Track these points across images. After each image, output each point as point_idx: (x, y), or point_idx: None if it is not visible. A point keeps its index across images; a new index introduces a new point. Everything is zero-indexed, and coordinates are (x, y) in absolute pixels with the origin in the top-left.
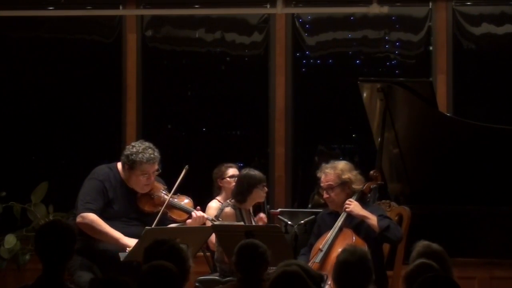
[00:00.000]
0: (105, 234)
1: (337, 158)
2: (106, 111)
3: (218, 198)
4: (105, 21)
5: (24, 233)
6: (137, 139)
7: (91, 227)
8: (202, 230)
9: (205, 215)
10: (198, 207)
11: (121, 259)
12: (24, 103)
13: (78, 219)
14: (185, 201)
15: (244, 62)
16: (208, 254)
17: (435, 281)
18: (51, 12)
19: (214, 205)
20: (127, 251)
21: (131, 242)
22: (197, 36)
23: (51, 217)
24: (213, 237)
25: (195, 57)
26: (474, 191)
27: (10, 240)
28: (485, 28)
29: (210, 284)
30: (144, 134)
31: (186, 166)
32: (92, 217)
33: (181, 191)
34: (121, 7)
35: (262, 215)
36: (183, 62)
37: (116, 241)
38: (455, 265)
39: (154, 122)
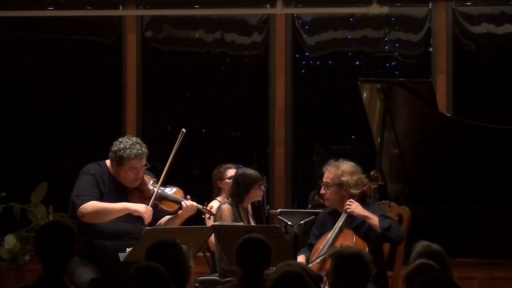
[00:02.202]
0: (112, 211)
1: (335, 156)
2: (106, 111)
3: (218, 198)
4: (105, 21)
5: (24, 234)
6: None
7: (96, 212)
8: (202, 230)
9: (195, 203)
10: (188, 196)
11: (121, 259)
12: (24, 103)
13: (80, 213)
14: (175, 191)
15: (244, 62)
16: (208, 254)
17: (435, 281)
18: (51, 12)
19: (215, 205)
20: (127, 251)
21: (140, 207)
22: (197, 36)
23: (51, 218)
24: (213, 237)
25: (195, 57)
26: (474, 191)
27: (10, 240)
28: (485, 28)
29: (210, 284)
30: (144, 135)
31: (183, 130)
32: (93, 203)
33: (181, 188)
34: (121, 8)
35: None
36: (183, 62)
37: (125, 210)
38: (455, 265)
39: (154, 122)
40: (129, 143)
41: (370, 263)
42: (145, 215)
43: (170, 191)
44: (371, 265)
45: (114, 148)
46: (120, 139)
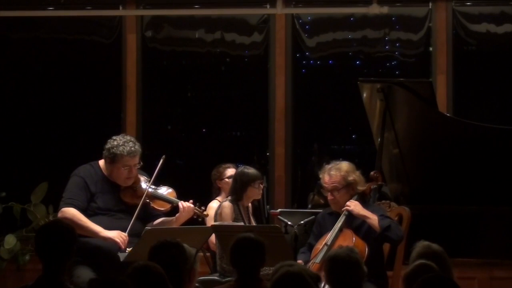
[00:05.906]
0: (86, 228)
1: (334, 157)
2: (106, 111)
3: (218, 198)
4: (105, 21)
5: (24, 234)
6: (137, 139)
7: (71, 221)
8: (202, 230)
9: (192, 205)
10: (191, 200)
11: (121, 259)
12: (24, 103)
13: (59, 215)
14: (168, 191)
15: (244, 62)
16: (208, 254)
17: (434, 282)
18: (51, 12)
19: (215, 205)
20: (127, 251)
21: (111, 234)
22: (197, 36)
23: (51, 218)
24: (213, 237)
25: (195, 57)
26: (474, 191)
27: (10, 240)
28: (485, 27)
29: (210, 284)
30: (144, 135)
31: (163, 156)
32: (73, 211)
33: (181, 188)
34: (121, 8)
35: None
36: (183, 62)
37: (96, 234)
38: (455, 265)
39: (154, 122)
40: (122, 141)
41: (362, 262)
42: (117, 240)
43: (164, 191)
44: (362, 264)
45: (108, 145)
46: (114, 137)
